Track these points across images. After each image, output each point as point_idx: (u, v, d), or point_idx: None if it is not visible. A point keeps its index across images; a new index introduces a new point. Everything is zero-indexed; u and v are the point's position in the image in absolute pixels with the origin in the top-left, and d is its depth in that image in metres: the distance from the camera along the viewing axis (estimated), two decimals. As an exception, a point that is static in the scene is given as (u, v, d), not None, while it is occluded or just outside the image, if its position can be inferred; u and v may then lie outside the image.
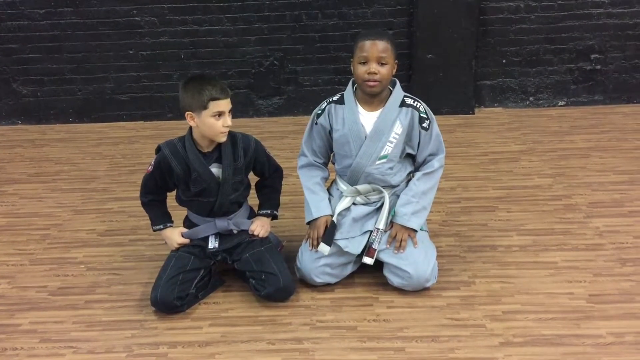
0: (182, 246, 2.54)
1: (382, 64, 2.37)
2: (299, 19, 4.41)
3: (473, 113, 4.50)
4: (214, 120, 2.32)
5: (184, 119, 2.38)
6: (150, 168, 2.50)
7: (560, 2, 4.35)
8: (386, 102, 2.47)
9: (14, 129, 4.62)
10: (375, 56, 2.35)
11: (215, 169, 2.46)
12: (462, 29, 4.26)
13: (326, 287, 2.55)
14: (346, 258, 2.51)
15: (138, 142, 4.28)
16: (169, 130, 4.43)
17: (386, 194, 2.52)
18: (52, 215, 3.31)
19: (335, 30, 4.44)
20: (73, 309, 2.52)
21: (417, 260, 2.43)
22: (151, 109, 4.65)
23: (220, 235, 2.55)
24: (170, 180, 2.50)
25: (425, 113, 2.50)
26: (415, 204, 2.49)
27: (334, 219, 2.51)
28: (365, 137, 2.46)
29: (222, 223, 2.53)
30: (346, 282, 2.58)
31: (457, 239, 2.88)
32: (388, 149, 2.46)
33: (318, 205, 2.55)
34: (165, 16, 4.41)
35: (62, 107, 4.65)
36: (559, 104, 4.61)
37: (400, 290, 2.49)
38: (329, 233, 2.49)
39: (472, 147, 3.93)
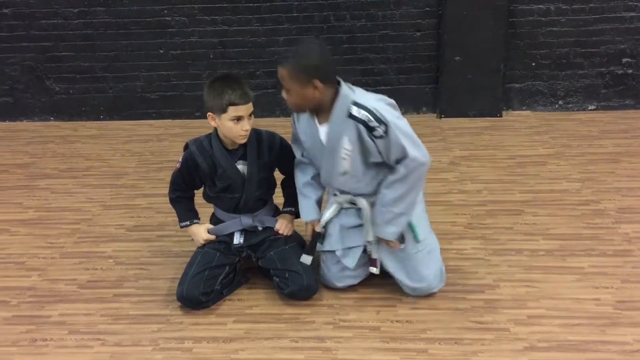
0: (208, 242, 2.57)
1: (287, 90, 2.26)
2: (327, 20, 4.43)
3: (501, 116, 4.46)
4: (233, 124, 2.34)
5: None
6: (178, 165, 2.54)
7: (592, 5, 4.29)
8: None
9: (47, 125, 4.72)
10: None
11: (240, 166, 2.49)
12: (491, 31, 4.23)
13: (351, 288, 2.56)
14: (363, 259, 2.51)
15: (166, 140, 4.34)
16: (197, 128, 4.47)
17: (364, 203, 2.40)
18: (82, 210, 3.38)
19: (363, 31, 4.45)
20: (101, 302, 2.57)
21: (417, 271, 2.42)
22: (180, 108, 4.71)
23: (246, 232, 2.58)
24: (197, 177, 2.54)
25: (377, 120, 2.19)
26: (386, 212, 2.32)
27: (322, 229, 2.49)
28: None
29: (247, 220, 2.56)
30: (369, 282, 2.59)
31: (482, 242, 2.87)
32: (345, 165, 2.32)
33: (306, 210, 2.53)
34: (195, 16, 4.47)
35: (93, 105, 4.73)
36: (589, 108, 4.55)
37: (423, 292, 2.50)
38: (312, 244, 2.50)
39: (499, 150, 3.90)
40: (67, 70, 4.65)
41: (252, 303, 2.52)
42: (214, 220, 2.66)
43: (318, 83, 2.18)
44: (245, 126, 2.36)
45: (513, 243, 2.86)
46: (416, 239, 2.41)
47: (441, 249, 2.78)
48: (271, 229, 2.59)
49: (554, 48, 4.40)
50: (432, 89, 4.53)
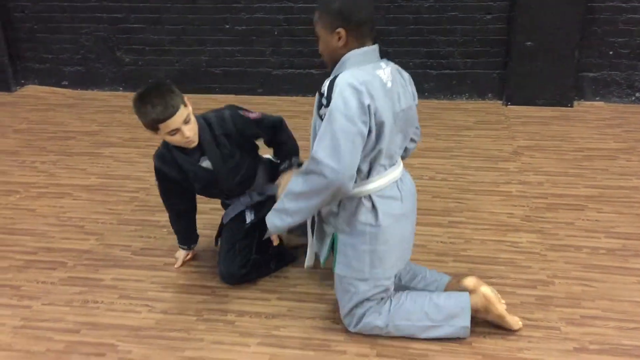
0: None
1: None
2: (394, 0, 4.33)
3: (571, 106, 4.25)
4: (172, 137, 2.25)
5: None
6: (156, 182, 2.51)
7: (680, -10, 4.01)
8: None
9: (115, 95, 4.87)
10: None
11: (205, 162, 2.40)
12: (566, 15, 4.03)
13: (396, 272, 2.51)
14: None
15: (227, 115, 4.39)
16: (259, 104, 4.50)
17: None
18: (141, 179, 3.47)
19: (430, 12, 4.33)
20: (152, 269, 2.64)
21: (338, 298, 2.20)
22: (243, 83, 4.75)
23: (254, 207, 2.54)
24: (177, 185, 2.47)
25: (327, 97, 1.88)
26: (280, 201, 2.02)
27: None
28: None
29: (245, 199, 2.54)
30: (417, 269, 2.54)
31: (539, 236, 2.75)
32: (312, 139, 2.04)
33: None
34: (262, -8, 4.47)
35: (159, 77, 4.84)
36: (669, 102, 4.27)
37: (472, 283, 2.42)
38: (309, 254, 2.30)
39: (566, 141, 3.72)
40: (137, 42, 4.77)
41: (297, 282, 2.52)
42: (223, 204, 2.66)
43: (343, 33, 1.92)
44: (186, 134, 2.23)
45: (572, 239, 2.73)
46: (334, 267, 2.14)
47: (495, 240, 2.72)
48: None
49: (634, 36, 4.15)
50: (499, 75, 4.36)
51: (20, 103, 4.76)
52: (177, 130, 2.22)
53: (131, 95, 4.88)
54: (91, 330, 2.28)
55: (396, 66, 2.08)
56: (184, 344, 2.20)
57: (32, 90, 4.99)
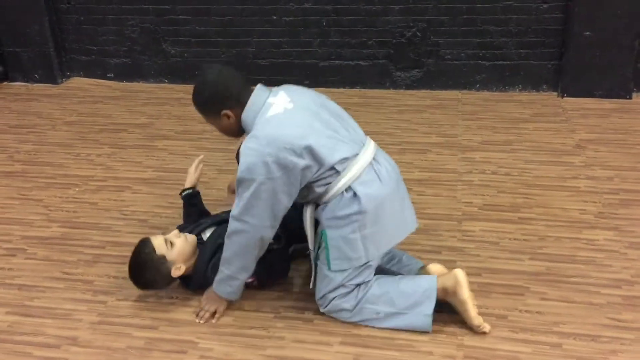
0: None
1: None
2: (447, -11, 4.25)
3: (630, 98, 4.14)
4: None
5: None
6: None
7: None
8: None
9: (161, 87, 4.85)
10: None
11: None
12: (627, 4, 3.91)
13: (472, 270, 2.46)
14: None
15: (276, 107, 4.35)
16: (306, 97, 4.46)
17: (306, 210, 2.22)
18: (198, 172, 3.44)
19: (484, 2, 4.23)
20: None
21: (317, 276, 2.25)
22: (289, 76, 4.69)
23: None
24: None
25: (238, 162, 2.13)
26: (219, 272, 2.22)
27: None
28: None
29: None
30: (493, 267, 2.49)
31: (616, 234, 2.68)
32: None
33: None
34: (311, -18, 4.41)
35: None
36: None
37: (554, 282, 2.37)
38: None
39: (630, 134, 3.62)
40: (183, 34, 4.73)
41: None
42: None
43: (228, 112, 2.11)
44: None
45: (652, 237, 2.65)
46: (328, 266, 2.15)
47: (571, 237, 2.65)
48: None
49: (698, 26, 4.02)
50: (554, 66, 4.26)
51: (67, 95, 4.76)
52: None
53: (177, 87, 4.94)
54: (169, 326, 2.26)
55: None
56: (264, 342, 2.17)
57: (77, 82, 4.99)
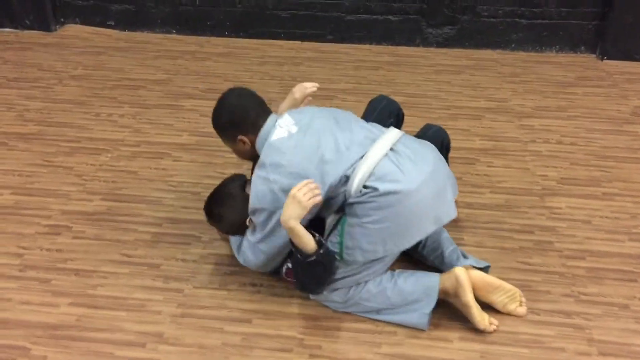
0: None
1: None
2: (490, -59, 3.97)
3: (672, 62, 4.03)
4: None
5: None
6: None
7: None
8: None
9: (169, 38, 4.44)
10: None
11: None
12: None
13: (574, 253, 2.31)
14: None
15: (302, 65, 4.05)
16: (329, 53, 4.17)
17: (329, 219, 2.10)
18: (239, 137, 3.15)
19: (528, -45, 3.99)
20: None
21: None
22: (311, 29, 4.37)
23: None
24: None
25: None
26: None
27: None
28: None
29: None
30: (595, 250, 2.35)
31: None
32: None
33: None
34: None
35: (219, 19, 4.42)
36: None
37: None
38: None
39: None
40: (197, -20, 4.31)
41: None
42: None
43: (244, 138, 2.10)
44: None
45: None
46: (340, 255, 2.01)
47: (665, 216, 2.53)
48: None
49: None
50: (595, 26, 4.08)
51: (64, 44, 4.29)
52: None
53: (188, 39, 4.53)
54: (264, 319, 2.04)
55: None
56: (376, 338, 1.97)
57: (73, 30, 4.51)
